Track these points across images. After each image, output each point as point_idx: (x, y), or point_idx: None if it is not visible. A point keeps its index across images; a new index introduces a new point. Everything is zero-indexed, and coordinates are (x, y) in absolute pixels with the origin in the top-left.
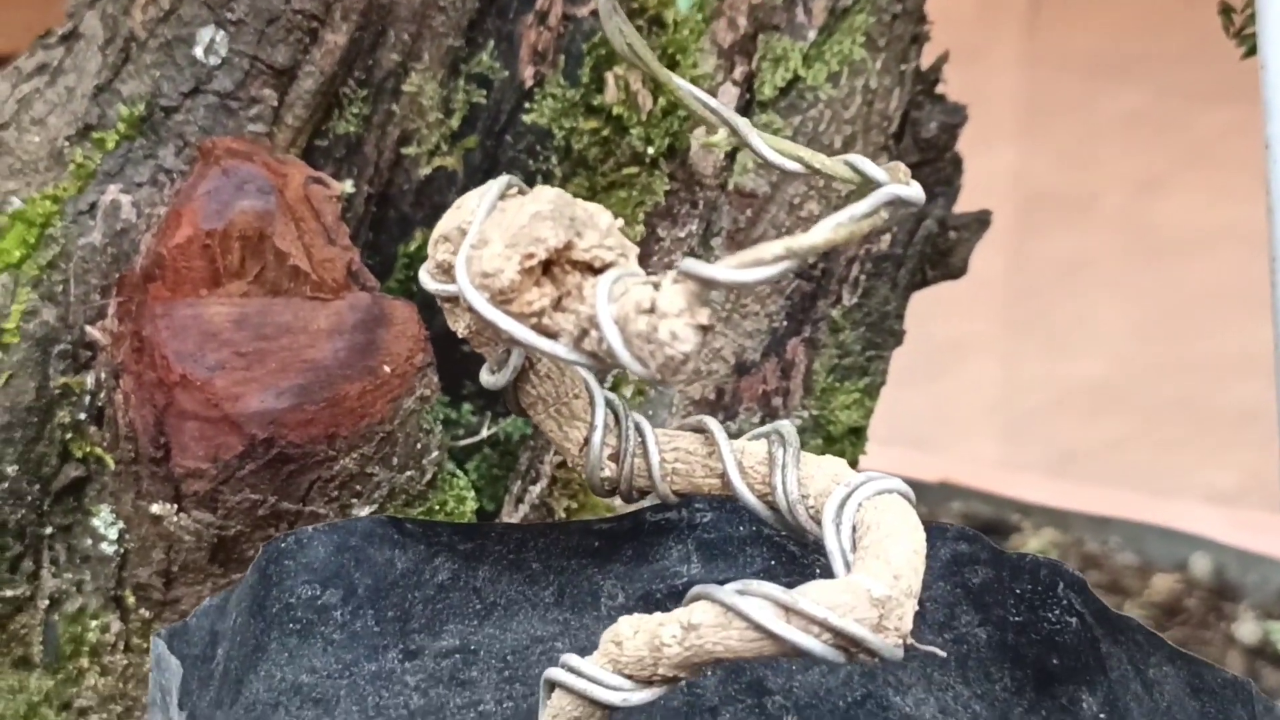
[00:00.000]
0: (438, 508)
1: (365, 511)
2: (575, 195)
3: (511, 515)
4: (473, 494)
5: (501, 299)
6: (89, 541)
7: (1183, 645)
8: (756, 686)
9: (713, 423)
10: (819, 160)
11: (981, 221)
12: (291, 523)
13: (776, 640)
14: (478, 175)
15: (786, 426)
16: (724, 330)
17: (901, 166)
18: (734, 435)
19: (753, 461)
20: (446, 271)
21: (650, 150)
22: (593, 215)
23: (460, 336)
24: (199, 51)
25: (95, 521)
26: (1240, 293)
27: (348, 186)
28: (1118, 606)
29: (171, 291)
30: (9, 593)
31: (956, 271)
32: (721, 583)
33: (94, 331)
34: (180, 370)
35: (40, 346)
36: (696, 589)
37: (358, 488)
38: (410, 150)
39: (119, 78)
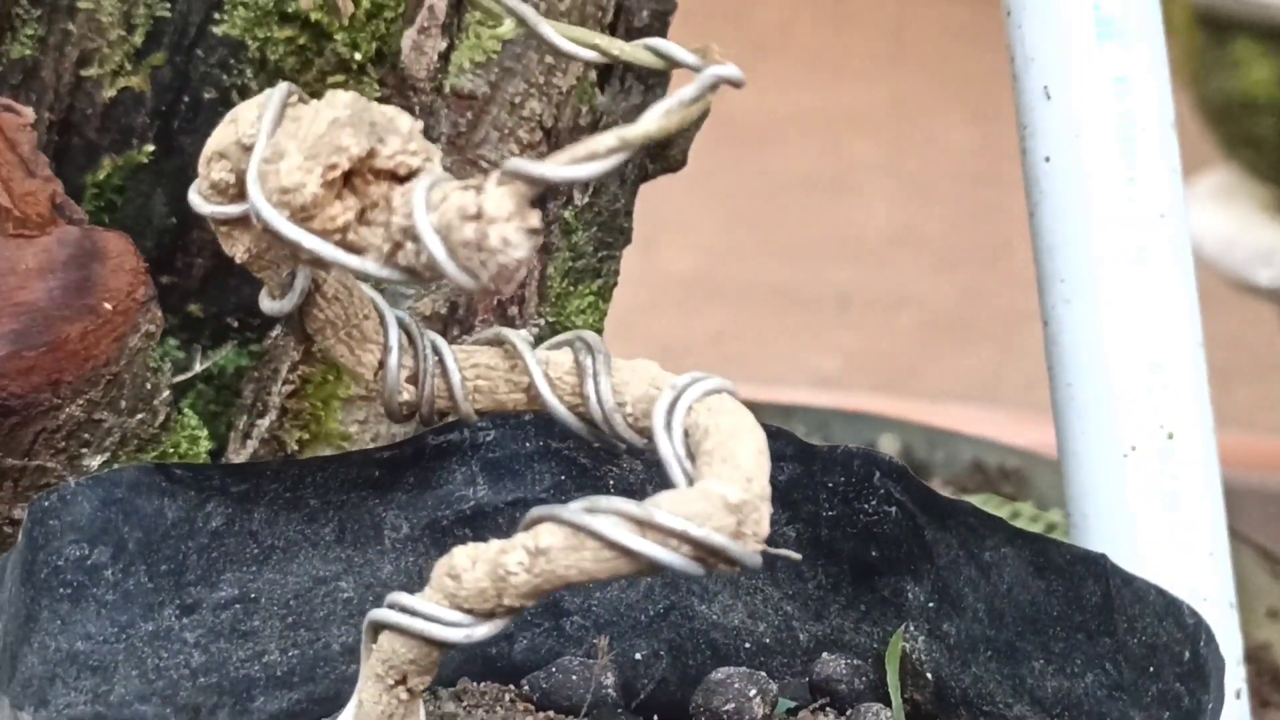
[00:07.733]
0: (171, 450)
1: (97, 462)
2: None
3: (239, 452)
4: (205, 433)
5: (303, 216)
6: None
7: None
8: (553, 608)
9: (512, 334)
10: (617, 47)
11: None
12: (16, 480)
13: (633, 557)
14: (169, 95)
15: (590, 334)
16: None
17: (714, 46)
18: None
19: (560, 372)
20: (223, 192)
21: (358, 56)
22: (392, 119)
23: (238, 262)
24: None
25: None
26: (824, 179)
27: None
28: None
29: None
30: None
31: (676, 164)
32: (513, 503)
33: None
34: None
35: None
36: (537, 511)
37: (86, 436)
38: (91, 72)
39: None
